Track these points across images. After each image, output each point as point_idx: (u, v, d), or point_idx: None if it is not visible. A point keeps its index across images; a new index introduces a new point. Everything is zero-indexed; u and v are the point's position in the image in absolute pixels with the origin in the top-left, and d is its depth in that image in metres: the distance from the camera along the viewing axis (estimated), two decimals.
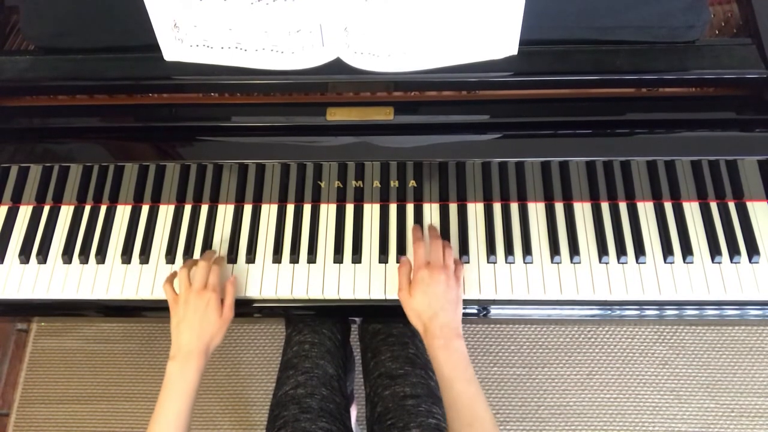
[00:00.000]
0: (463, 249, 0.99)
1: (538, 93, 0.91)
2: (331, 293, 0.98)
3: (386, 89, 0.93)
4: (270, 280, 0.99)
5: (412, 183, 1.01)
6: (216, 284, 0.91)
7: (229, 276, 0.98)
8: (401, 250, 1.00)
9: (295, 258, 1.00)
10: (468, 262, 0.99)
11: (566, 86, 0.90)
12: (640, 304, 0.98)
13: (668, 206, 1.01)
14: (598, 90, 0.90)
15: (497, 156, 0.92)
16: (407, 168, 0.99)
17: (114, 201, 1.05)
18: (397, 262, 0.99)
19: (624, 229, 0.99)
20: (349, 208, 1.03)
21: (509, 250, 0.99)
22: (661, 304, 0.98)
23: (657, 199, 1.01)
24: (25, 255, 1.02)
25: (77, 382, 1.70)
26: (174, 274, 0.95)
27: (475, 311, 1.01)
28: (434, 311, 0.86)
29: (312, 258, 1.00)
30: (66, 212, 1.05)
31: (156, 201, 1.05)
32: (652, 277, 0.96)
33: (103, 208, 1.05)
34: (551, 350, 1.68)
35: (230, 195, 1.04)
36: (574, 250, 0.98)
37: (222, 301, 0.92)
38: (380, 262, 1.00)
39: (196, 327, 0.87)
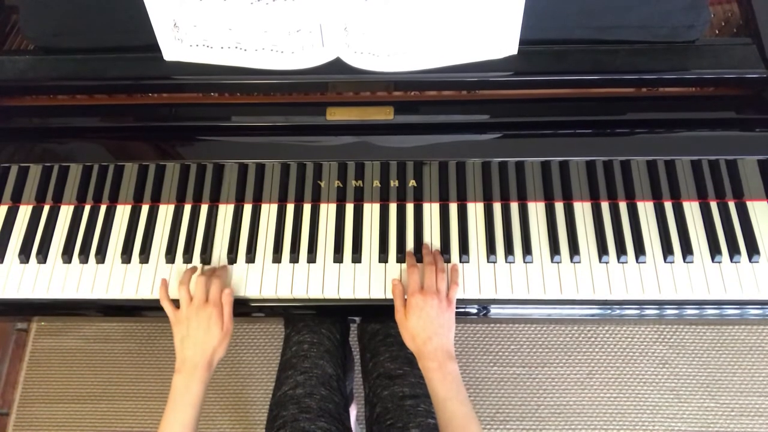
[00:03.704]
0: (463, 249, 0.99)
1: (538, 93, 0.91)
2: (331, 293, 0.98)
3: (386, 89, 0.93)
4: (270, 279, 0.99)
5: (412, 183, 1.01)
6: (217, 298, 0.92)
7: (228, 282, 0.99)
8: (401, 249, 1.00)
9: (295, 257, 1.00)
10: (468, 262, 0.99)
11: (566, 86, 0.90)
12: (640, 303, 0.98)
13: (668, 206, 1.01)
14: (598, 90, 0.90)
15: (497, 156, 0.92)
16: (407, 168, 0.99)
17: (114, 201, 1.05)
18: (398, 261, 0.99)
19: (624, 228, 0.99)
20: (349, 208, 1.03)
21: (509, 249, 0.99)
22: (661, 304, 0.98)
23: (657, 198, 1.01)
24: (25, 255, 1.02)
25: (77, 382, 1.70)
26: (164, 288, 0.97)
27: (475, 311, 1.01)
28: (428, 335, 0.88)
29: (312, 257, 1.00)
30: (66, 212, 1.05)
31: (156, 201, 1.05)
32: (652, 277, 0.96)
33: (103, 208, 1.05)
34: (551, 350, 1.68)
35: (230, 194, 1.04)
36: (574, 249, 0.98)
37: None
38: (380, 261, 1.00)
39: (199, 341, 0.89)
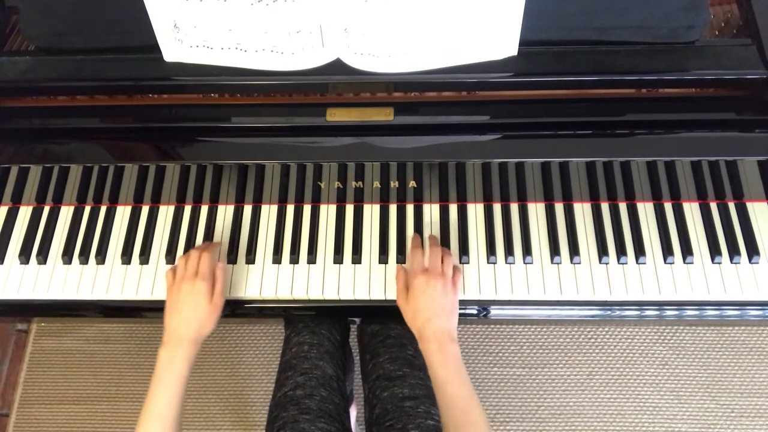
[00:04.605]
0: (463, 249, 0.99)
1: (538, 94, 0.91)
2: (331, 294, 0.98)
3: (386, 90, 0.93)
4: (270, 280, 0.99)
5: (412, 183, 1.01)
6: (206, 272, 0.91)
7: (229, 274, 0.99)
8: (401, 250, 1.00)
9: (295, 258, 1.00)
10: (468, 263, 0.99)
11: (566, 87, 0.90)
12: (640, 304, 0.98)
13: (668, 206, 1.01)
14: (598, 90, 0.90)
15: (497, 156, 0.92)
16: (407, 168, 0.99)
17: (114, 202, 1.05)
18: (398, 262, 0.99)
19: (624, 229, 0.99)
20: (349, 209, 1.03)
21: (509, 250, 0.99)
22: (661, 305, 0.98)
23: (657, 199, 1.01)
24: (25, 255, 1.02)
25: (77, 383, 1.70)
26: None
27: (475, 311, 1.01)
28: (428, 316, 0.87)
29: (312, 258, 1.00)
30: (66, 213, 1.05)
31: (156, 202, 1.05)
32: (652, 278, 0.96)
33: (103, 209, 1.05)
34: (551, 350, 1.68)
35: (230, 195, 1.04)
36: (574, 250, 0.98)
37: (213, 288, 0.93)
38: (380, 262, 1.00)
39: (185, 314, 0.89)
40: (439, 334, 0.86)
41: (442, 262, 0.92)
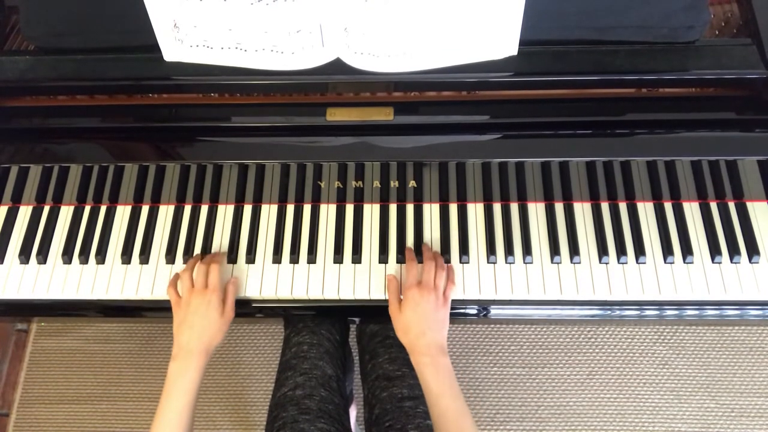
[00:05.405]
0: (463, 249, 0.99)
1: (538, 93, 0.91)
2: (331, 293, 0.98)
3: (386, 89, 0.93)
4: (270, 280, 0.99)
5: (412, 183, 1.01)
6: (216, 284, 0.92)
7: (230, 275, 0.99)
8: (401, 250, 1.00)
9: (295, 258, 1.00)
10: (468, 262, 0.99)
11: (566, 86, 0.90)
12: (640, 304, 0.98)
13: (668, 206, 1.01)
14: (598, 90, 0.90)
15: (497, 156, 0.92)
16: (407, 168, 0.99)
17: (114, 201, 1.05)
18: (398, 262, 0.99)
19: (624, 229, 0.99)
20: (349, 209, 1.03)
21: (509, 250, 0.99)
22: (661, 304, 0.98)
23: (657, 199, 1.01)
24: (25, 255, 1.02)
25: (77, 382, 1.70)
26: (176, 278, 0.96)
27: (475, 311, 1.01)
28: (422, 329, 0.88)
29: (312, 258, 1.00)
30: (66, 212, 1.05)
31: (156, 201, 1.05)
32: (652, 278, 0.96)
33: (103, 209, 1.05)
34: (551, 350, 1.68)
35: (230, 195, 1.04)
36: (574, 250, 0.98)
37: (224, 300, 0.93)
38: (380, 262, 1.00)
39: (196, 327, 0.89)
40: (432, 347, 0.87)
41: (435, 275, 0.93)
